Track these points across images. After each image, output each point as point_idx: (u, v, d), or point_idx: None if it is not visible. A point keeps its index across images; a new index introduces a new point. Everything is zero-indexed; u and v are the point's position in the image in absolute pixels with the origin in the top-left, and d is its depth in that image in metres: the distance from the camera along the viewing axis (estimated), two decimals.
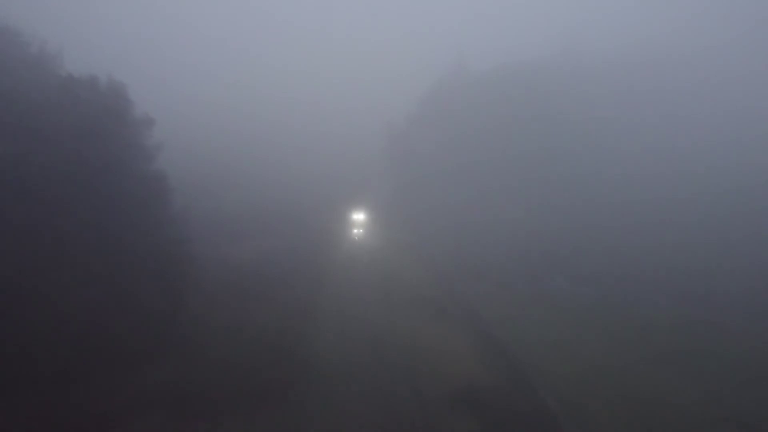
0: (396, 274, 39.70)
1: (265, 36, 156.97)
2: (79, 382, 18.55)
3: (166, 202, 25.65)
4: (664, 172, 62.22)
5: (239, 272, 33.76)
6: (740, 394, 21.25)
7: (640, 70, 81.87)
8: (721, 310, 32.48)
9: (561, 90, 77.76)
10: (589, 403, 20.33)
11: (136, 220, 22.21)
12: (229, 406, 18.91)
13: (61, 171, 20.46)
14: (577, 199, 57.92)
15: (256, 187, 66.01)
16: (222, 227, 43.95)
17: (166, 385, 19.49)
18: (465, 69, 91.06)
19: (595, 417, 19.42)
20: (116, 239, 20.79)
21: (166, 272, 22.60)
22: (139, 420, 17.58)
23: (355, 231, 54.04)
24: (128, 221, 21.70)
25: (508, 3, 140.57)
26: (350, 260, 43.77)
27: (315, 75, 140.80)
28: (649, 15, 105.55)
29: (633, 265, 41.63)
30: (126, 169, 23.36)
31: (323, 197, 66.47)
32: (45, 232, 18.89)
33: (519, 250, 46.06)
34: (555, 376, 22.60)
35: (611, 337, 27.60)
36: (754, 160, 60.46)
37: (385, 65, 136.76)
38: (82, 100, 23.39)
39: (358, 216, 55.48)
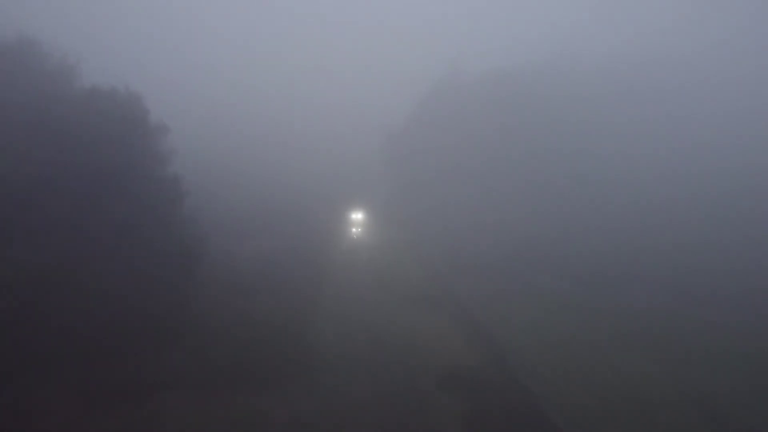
0: (392, 270, 42.10)
1: (265, 38, 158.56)
2: (116, 361, 21.14)
3: (181, 203, 28.04)
4: (659, 173, 63.74)
5: (246, 268, 36.20)
6: (699, 371, 23.80)
7: (636, 72, 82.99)
8: (690, 301, 34.90)
9: (556, 92, 78.96)
10: (562, 382, 22.87)
11: (157, 219, 24.61)
12: (241, 384, 21.36)
13: (91, 175, 22.83)
14: (569, 201, 59.81)
15: (256, 188, 67.45)
16: (223, 227, 45.48)
17: (187, 365, 22.04)
18: (461, 72, 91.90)
19: (566, 392, 21.94)
20: (140, 236, 23.19)
21: (184, 267, 25.04)
22: (166, 394, 20.18)
23: (354, 230, 56.31)
24: (151, 220, 24.12)
25: (505, 6, 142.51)
26: (349, 257, 46.11)
27: (314, 77, 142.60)
28: (644, 16, 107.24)
29: (618, 264, 43.71)
30: (147, 173, 25.74)
31: (323, 198, 68.37)
32: (79, 228, 21.34)
33: (509, 249, 48.19)
34: (533, 360, 25.16)
35: (586, 327, 30.07)
36: (750, 160, 62.28)
37: (383, 68, 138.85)
38: (105, 110, 25.72)
39: (357, 215, 57.83)
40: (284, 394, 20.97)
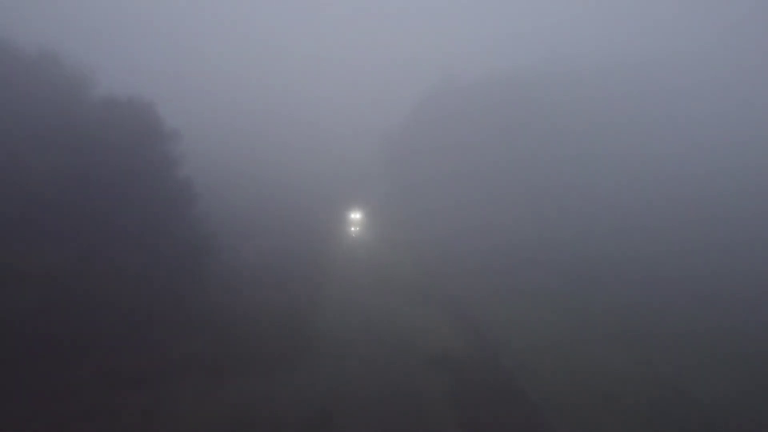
0: (388, 266, 44.67)
1: (265, 39, 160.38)
2: (137, 346, 23.59)
3: (193, 203, 30.52)
4: (651, 173, 65.31)
5: (251, 265, 38.72)
6: (673, 366, 26.28)
7: (631, 73, 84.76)
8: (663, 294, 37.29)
9: (553, 93, 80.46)
10: (539, 365, 25.37)
11: (173, 218, 27.04)
12: (251, 369, 23.78)
13: (111, 179, 25.26)
14: (563, 201, 61.96)
15: (256, 188, 69.60)
16: (223, 226, 47.58)
17: (201, 352, 24.51)
18: (459, 74, 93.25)
19: (543, 375, 24.43)
20: (158, 234, 25.63)
21: (198, 262, 27.51)
22: (183, 377, 22.59)
23: (353, 229, 58.81)
24: (168, 219, 26.56)
25: (504, 8, 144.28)
26: (348, 254, 48.68)
27: (314, 78, 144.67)
28: (640, 18, 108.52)
29: (604, 262, 45.70)
30: (164, 176, 28.19)
31: (323, 198, 70.73)
32: (103, 226, 23.79)
33: (501, 247, 50.45)
34: (515, 345, 27.68)
35: (569, 318, 32.53)
36: (743, 163, 64.11)
37: (382, 70, 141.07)
38: (124, 119, 28.16)
39: (356, 215, 60.37)
40: (289, 377, 23.39)
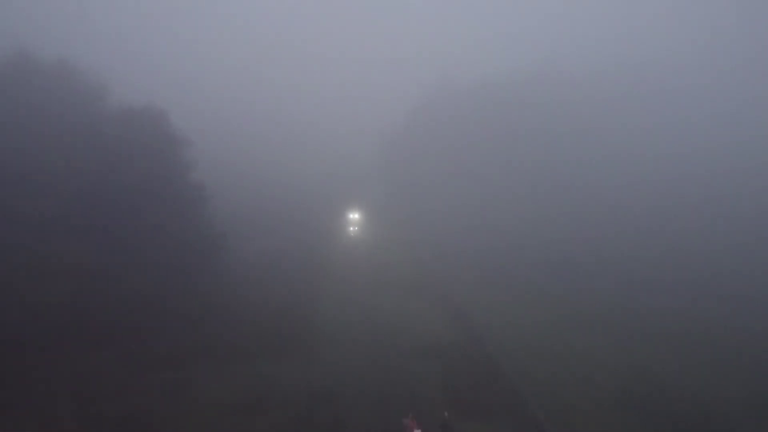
0: (385, 263, 47.18)
1: (264, 40, 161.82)
2: (158, 334, 26.00)
3: (205, 205, 32.99)
4: (651, 174, 66.61)
5: (257, 263, 41.30)
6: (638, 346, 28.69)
7: (627, 75, 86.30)
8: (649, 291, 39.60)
9: (551, 95, 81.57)
10: (523, 353, 27.80)
11: (186, 218, 29.48)
12: (259, 355, 26.21)
13: (131, 183, 27.66)
14: (558, 202, 63.80)
15: (256, 188, 71.40)
16: (224, 226, 49.57)
17: (216, 339, 26.98)
18: (457, 76, 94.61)
19: (526, 363, 26.88)
20: (177, 232, 28.08)
21: (211, 258, 29.97)
22: (199, 361, 25.00)
23: (352, 228, 61.25)
24: (182, 220, 28.98)
25: (503, 11, 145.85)
26: (347, 252, 51.14)
27: (313, 78, 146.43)
28: (637, 22, 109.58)
29: (592, 258, 47.74)
30: (176, 180, 30.60)
31: (322, 197, 73.03)
32: (123, 227, 26.24)
33: (495, 245, 52.66)
34: (502, 336, 30.11)
35: (554, 311, 34.93)
36: (736, 165, 65.50)
37: (382, 71, 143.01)
38: (140, 127, 30.56)
39: (354, 215, 62.81)
40: (293, 363, 25.83)
